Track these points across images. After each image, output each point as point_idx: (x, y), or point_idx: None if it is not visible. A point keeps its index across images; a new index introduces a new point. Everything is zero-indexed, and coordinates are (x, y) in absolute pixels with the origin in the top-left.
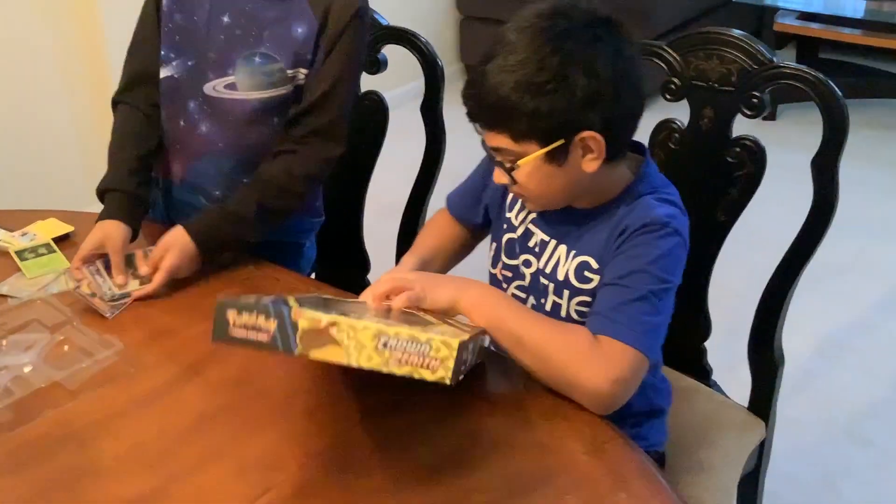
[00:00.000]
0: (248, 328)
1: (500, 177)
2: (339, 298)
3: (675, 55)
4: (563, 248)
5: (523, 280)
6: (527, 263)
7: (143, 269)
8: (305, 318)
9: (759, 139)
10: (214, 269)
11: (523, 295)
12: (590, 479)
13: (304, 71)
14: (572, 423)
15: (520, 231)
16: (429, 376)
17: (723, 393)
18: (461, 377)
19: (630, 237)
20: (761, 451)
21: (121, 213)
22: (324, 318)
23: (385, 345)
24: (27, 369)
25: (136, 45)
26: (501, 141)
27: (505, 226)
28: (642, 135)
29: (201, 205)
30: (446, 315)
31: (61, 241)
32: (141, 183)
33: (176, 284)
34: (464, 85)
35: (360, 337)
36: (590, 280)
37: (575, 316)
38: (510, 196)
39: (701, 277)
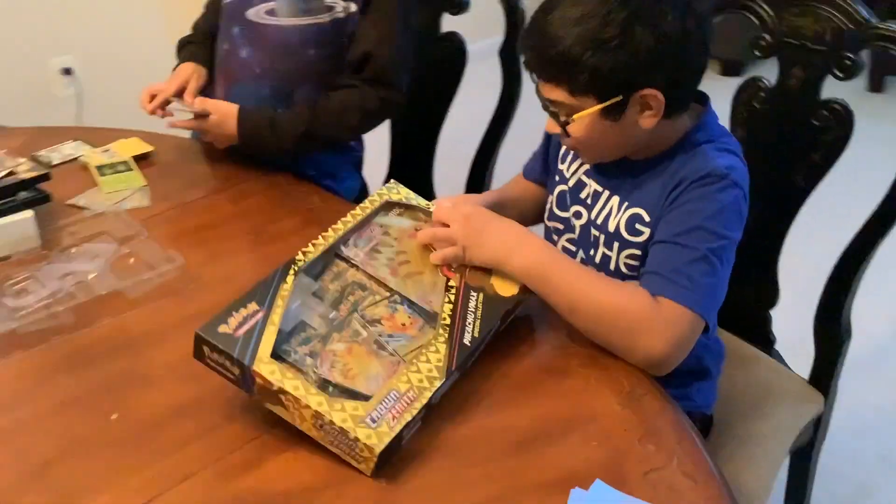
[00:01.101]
0: (218, 364)
1: (552, 126)
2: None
3: (768, 9)
4: (615, 199)
5: (573, 232)
6: (577, 215)
7: (186, 99)
8: (261, 375)
9: (848, 104)
10: (276, 198)
11: (573, 248)
12: (620, 429)
13: (342, 3)
14: (611, 373)
15: (572, 182)
16: (354, 465)
17: (785, 364)
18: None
19: (687, 189)
20: (817, 426)
21: (199, 59)
22: (276, 382)
23: (321, 427)
24: (91, 276)
25: None
26: (558, 94)
27: (557, 177)
28: (727, 91)
29: None
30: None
31: (141, 159)
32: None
33: (238, 213)
34: (523, 33)
35: (302, 412)
36: (641, 233)
37: (624, 269)
38: (563, 147)
39: (773, 242)
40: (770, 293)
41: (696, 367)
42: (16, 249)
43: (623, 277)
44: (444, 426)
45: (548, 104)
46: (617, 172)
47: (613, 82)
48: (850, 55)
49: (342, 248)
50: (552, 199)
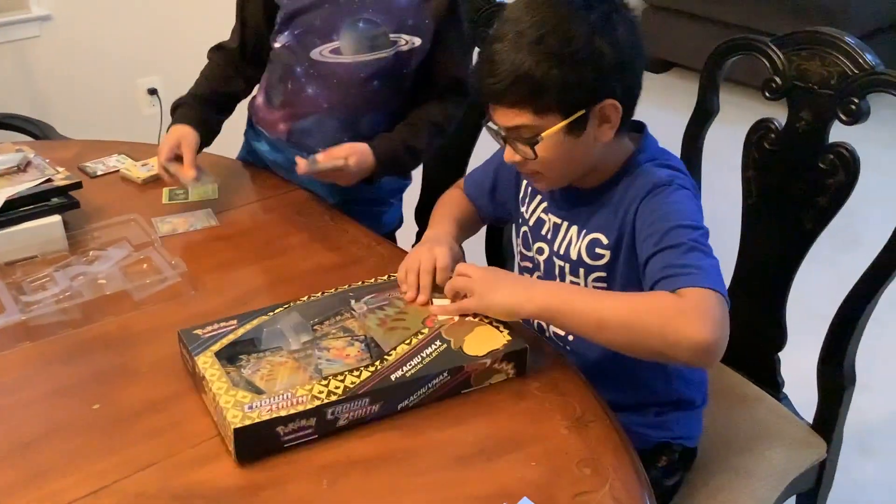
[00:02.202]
0: (185, 357)
1: (511, 155)
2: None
3: (778, 53)
4: (574, 229)
5: (539, 269)
6: (540, 251)
7: (321, 157)
8: (197, 364)
9: (854, 148)
10: (289, 215)
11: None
12: (561, 452)
13: (406, 37)
14: (567, 398)
15: (532, 221)
16: (227, 446)
17: (792, 407)
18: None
19: (641, 205)
20: (822, 472)
21: (191, 120)
22: (201, 371)
23: (215, 409)
24: (101, 277)
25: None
26: (522, 118)
27: (520, 220)
28: (739, 132)
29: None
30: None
31: None
32: (211, 111)
33: (252, 227)
34: (475, 67)
35: (211, 395)
36: (601, 256)
37: None
38: (521, 191)
39: (780, 285)
40: (777, 336)
41: (675, 397)
42: (42, 250)
43: None
44: (394, 438)
45: (506, 133)
46: (571, 204)
47: (578, 97)
48: (856, 100)
49: (352, 301)
50: (518, 240)
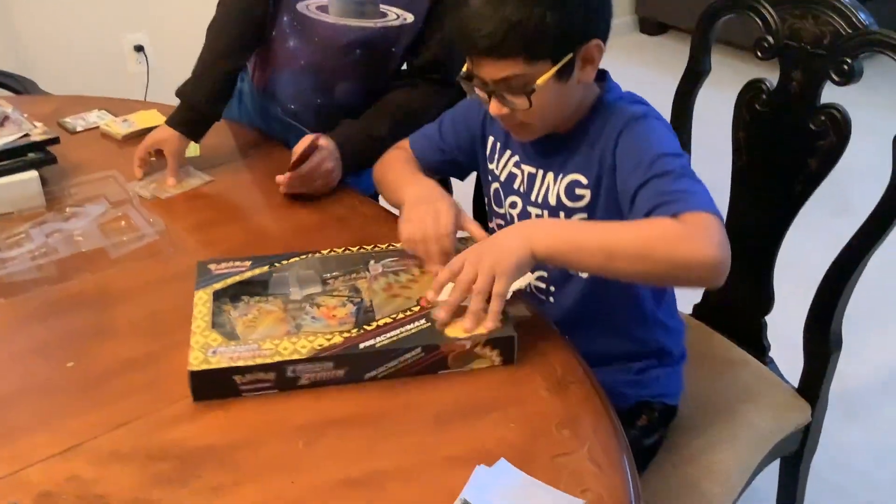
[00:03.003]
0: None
1: (500, 108)
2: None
3: (771, 11)
4: (550, 175)
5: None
6: (513, 205)
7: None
8: (195, 303)
9: (846, 110)
10: (269, 173)
11: None
12: (541, 414)
13: (397, 11)
14: (548, 359)
15: (503, 176)
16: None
17: (778, 372)
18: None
19: (620, 138)
20: (806, 436)
21: (184, 128)
22: (194, 308)
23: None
24: (78, 234)
25: None
26: (513, 68)
27: (490, 178)
28: (730, 94)
29: (275, 113)
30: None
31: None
32: (218, 100)
33: (226, 185)
34: (464, 26)
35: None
36: (581, 197)
37: None
38: (488, 149)
39: (768, 248)
40: (764, 300)
41: (655, 345)
42: (19, 207)
43: None
44: (371, 398)
45: (494, 86)
46: (544, 152)
47: (569, 40)
48: (848, 60)
49: (371, 262)
50: (489, 199)
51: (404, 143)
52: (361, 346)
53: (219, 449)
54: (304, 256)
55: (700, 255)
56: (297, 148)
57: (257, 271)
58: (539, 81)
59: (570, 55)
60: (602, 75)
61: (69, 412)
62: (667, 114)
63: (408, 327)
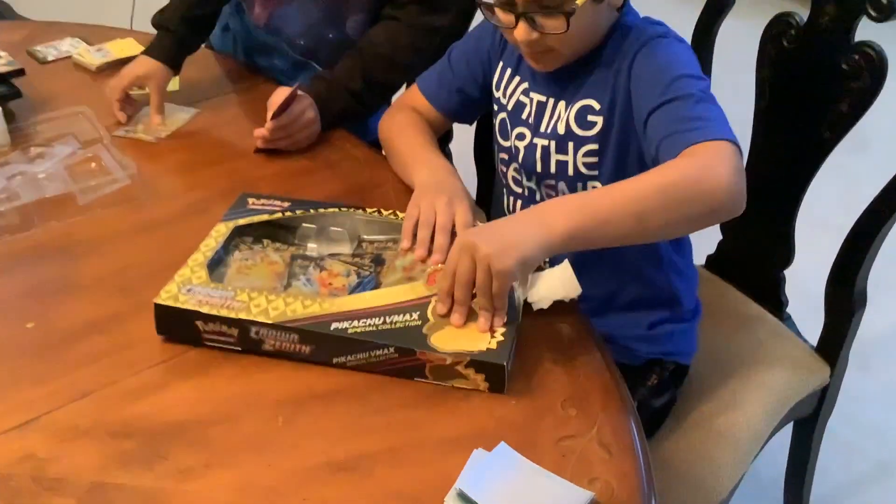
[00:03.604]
0: None
1: (529, 34)
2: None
3: None
4: (561, 104)
5: (517, 159)
6: (520, 137)
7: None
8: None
9: (882, 49)
10: (257, 112)
11: (520, 176)
12: (545, 389)
13: None
14: (552, 325)
15: (511, 104)
16: None
17: (796, 329)
18: None
19: (636, 59)
20: (823, 397)
21: (166, 56)
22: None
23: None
24: (42, 177)
25: None
26: None
27: (496, 107)
28: (756, 28)
29: (282, 49)
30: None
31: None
32: (195, 27)
33: (207, 124)
34: None
35: None
36: (593, 125)
37: (583, 169)
38: (497, 75)
39: (791, 197)
40: (784, 252)
41: (667, 290)
42: None
43: (583, 179)
44: (358, 372)
45: (526, 8)
46: (556, 78)
47: None
48: None
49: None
50: (496, 129)
51: (413, 93)
52: (333, 326)
53: (189, 426)
54: (346, 210)
55: (723, 184)
56: (275, 98)
57: (291, 214)
58: (579, 1)
59: None
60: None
61: (26, 381)
62: None
63: (393, 319)
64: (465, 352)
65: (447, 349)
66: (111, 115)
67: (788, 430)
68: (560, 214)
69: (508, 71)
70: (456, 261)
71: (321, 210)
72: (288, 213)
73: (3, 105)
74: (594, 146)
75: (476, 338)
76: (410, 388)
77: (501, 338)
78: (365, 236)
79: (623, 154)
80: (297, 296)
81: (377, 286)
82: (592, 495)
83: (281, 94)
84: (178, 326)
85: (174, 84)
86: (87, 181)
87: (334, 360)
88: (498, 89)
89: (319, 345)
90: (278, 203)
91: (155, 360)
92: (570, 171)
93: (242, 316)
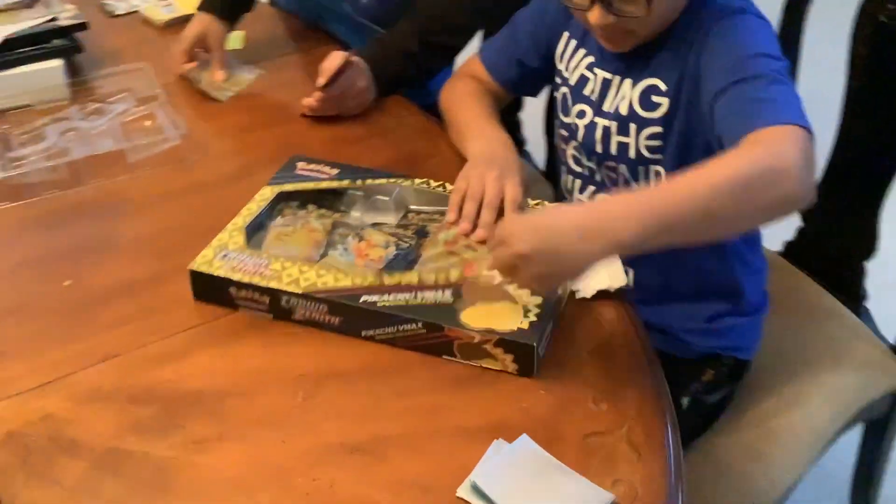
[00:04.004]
0: None
1: (605, 17)
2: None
3: None
4: (627, 82)
5: (576, 137)
6: (580, 114)
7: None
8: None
9: None
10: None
11: (579, 155)
12: (578, 381)
13: None
14: (593, 313)
15: (573, 79)
16: None
17: (873, 326)
18: None
19: (709, 36)
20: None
21: (220, 9)
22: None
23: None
24: (94, 133)
25: None
26: None
27: (559, 80)
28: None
29: (344, 10)
30: None
31: None
32: None
33: (263, 85)
34: None
35: None
36: (657, 105)
37: (645, 152)
38: (561, 47)
39: (878, 183)
40: (868, 242)
41: (730, 279)
42: (39, 98)
43: (645, 163)
44: (383, 349)
45: None
46: (625, 54)
47: None
48: None
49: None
50: (557, 104)
51: (474, 62)
52: (362, 299)
53: (208, 395)
54: (395, 180)
55: (793, 172)
56: (327, 64)
57: (338, 184)
58: None
59: None
60: None
61: (55, 339)
62: (774, 22)
63: (425, 295)
64: (494, 330)
65: (476, 326)
66: (171, 73)
67: (858, 428)
68: (628, 220)
69: (573, 42)
70: (502, 264)
71: (370, 180)
72: (335, 183)
73: (67, 58)
74: (658, 129)
75: (509, 317)
76: (436, 371)
77: (535, 318)
78: (413, 206)
79: (688, 139)
80: (329, 268)
81: (415, 259)
82: (613, 498)
83: (334, 59)
84: (212, 292)
85: (238, 41)
86: (139, 139)
87: (363, 333)
88: (561, 61)
89: (348, 317)
90: (327, 170)
91: (184, 325)
92: (632, 154)
93: (273, 285)
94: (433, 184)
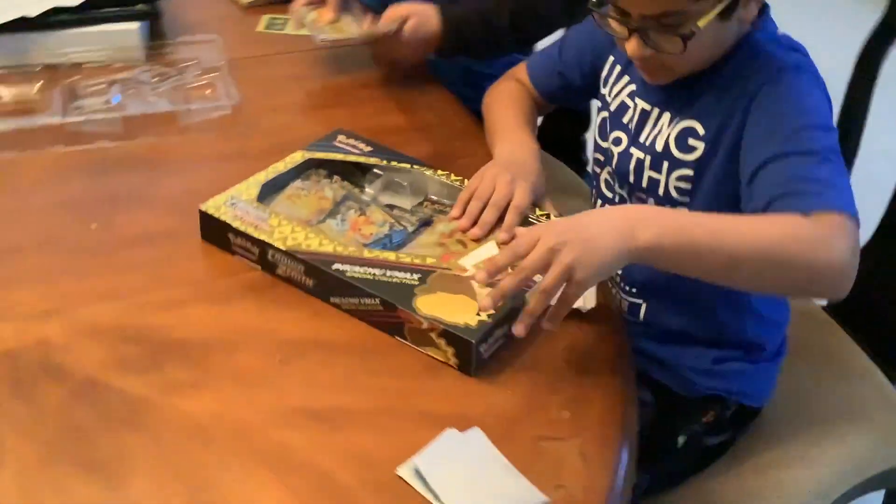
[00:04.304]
0: None
1: (642, 50)
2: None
3: None
4: (666, 116)
5: (610, 164)
6: (617, 141)
7: (382, 24)
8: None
9: None
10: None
11: (612, 181)
12: (547, 386)
13: None
14: (580, 321)
15: (614, 105)
16: None
17: None
18: None
19: (761, 91)
20: None
21: None
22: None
23: None
24: (154, 94)
25: None
26: (671, 3)
27: (599, 104)
28: None
29: None
30: None
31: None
32: None
33: (323, 69)
34: None
35: None
36: (693, 149)
37: (674, 193)
38: (606, 70)
39: None
40: None
41: (741, 337)
42: (114, 58)
43: (673, 202)
44: (371, 328)
45: (641, 23)
46: (667, 87)
47: None
48: None
49: None
50: (596, 127)
51: (521, 68)
52: (334, 266)
53: (193, 345)
54: (418, 168)
55: (833, 264)
56: (392, 13)
57: (361, 159)
58: (701, 22)
59: None
60: (760, 8)
61: (69, 274)
62: (844, 74)
63: (395, 274)
64: (442, 320)
65: (426, 313)
66: (239, 48)
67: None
68: (651, 225)
69: (618, 68)
70: (529, 256)
71: (397, 164)
72: (361, 158)
73: (145, 22)
74: (689, 171)
75: (462, 311)
76: (413, 357)
77: (486, 318)
78: (432, 196)
79: (718, 188)
80: (319, 233)
81: (403, 243)
82: (547, 501)
83: (401, 8)
84: (215, 234)
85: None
86: (193, 104)
87: (331, 300)
88: (605, 85)
89: (320, 280)
90: (362, 146)
91: (189, 280)
92: (661, 191)
93: (263, 237)
94: (453, 177)
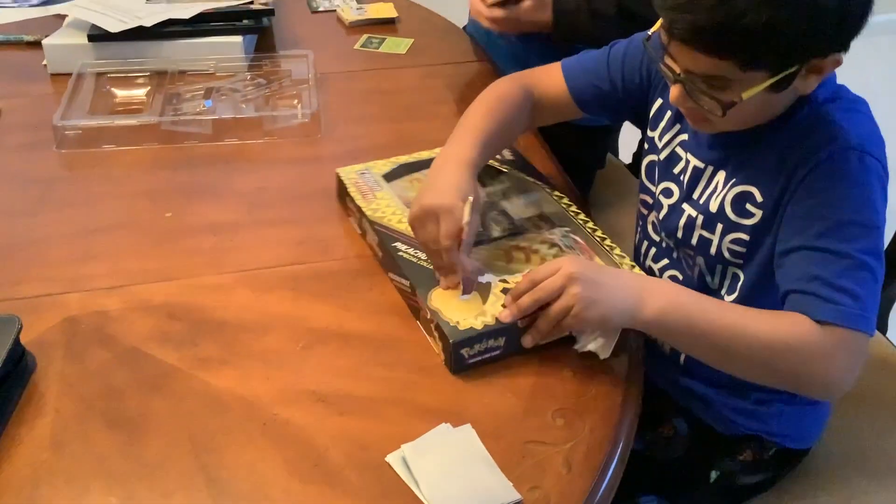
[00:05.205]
0: None
1: (684, 101)
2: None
3: None
4: (721, 175)
5: (659, 212)
6: (667, 193)
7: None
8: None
9: None
10: (454, 85)
11: (656, 236)
12: (547, 394)
13: None
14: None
15: (664, 154)
16: None
17: None
18: None
19: (817, 169)
20: None
21: None
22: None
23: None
24: (244, 101)
25: None
26: (720, 68)
27: (647, 146)
28: None
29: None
30: None
31: (387, 23)
32: None
33: (408, 84)
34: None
35: None
36: (751, 215)
37: (726, 254)
38: (654, 109)
39: None
40: None
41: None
42: (217, 66)
43: (724, 263)
44: (395, 323)
45: (686, 77)
46: (721, 143)
47: (805, 51)
48: None
49: (563, 230)
50: (642, 166)
51: (536, 73)
52: (396, 243)
53: (228, 326)
54: (540, 184)
55: (824, 379)
56: None
57: (495, 163)
58: (746, 95)
59: (796, 67)
60: None
61: (137, 254)
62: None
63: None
64: (439, 315)
65: (433, 305)
66: (332, 63)
67: None
68: (660, 298)
69: (668, 114)
70: (549, 280)
71: (531, 179)
72: (495, 162)
73: (248, 36)
74: (745, 236)
75: (465, 312)
76: (426, 355)
77: (481, 326)
78: (546, 212)
79: (772, 255)
80: (406, 213)
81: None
82: (520, 499)
83: None
84: (341, 194)
85: (402, 46)
86: (277, 111)
87: (389, 274)
88: (653, 129)
89: (385, 253)
90: (506, 153)
91: (239, 267)
92: (713, 251)
93: (361, 205)
94: (565, 201)
